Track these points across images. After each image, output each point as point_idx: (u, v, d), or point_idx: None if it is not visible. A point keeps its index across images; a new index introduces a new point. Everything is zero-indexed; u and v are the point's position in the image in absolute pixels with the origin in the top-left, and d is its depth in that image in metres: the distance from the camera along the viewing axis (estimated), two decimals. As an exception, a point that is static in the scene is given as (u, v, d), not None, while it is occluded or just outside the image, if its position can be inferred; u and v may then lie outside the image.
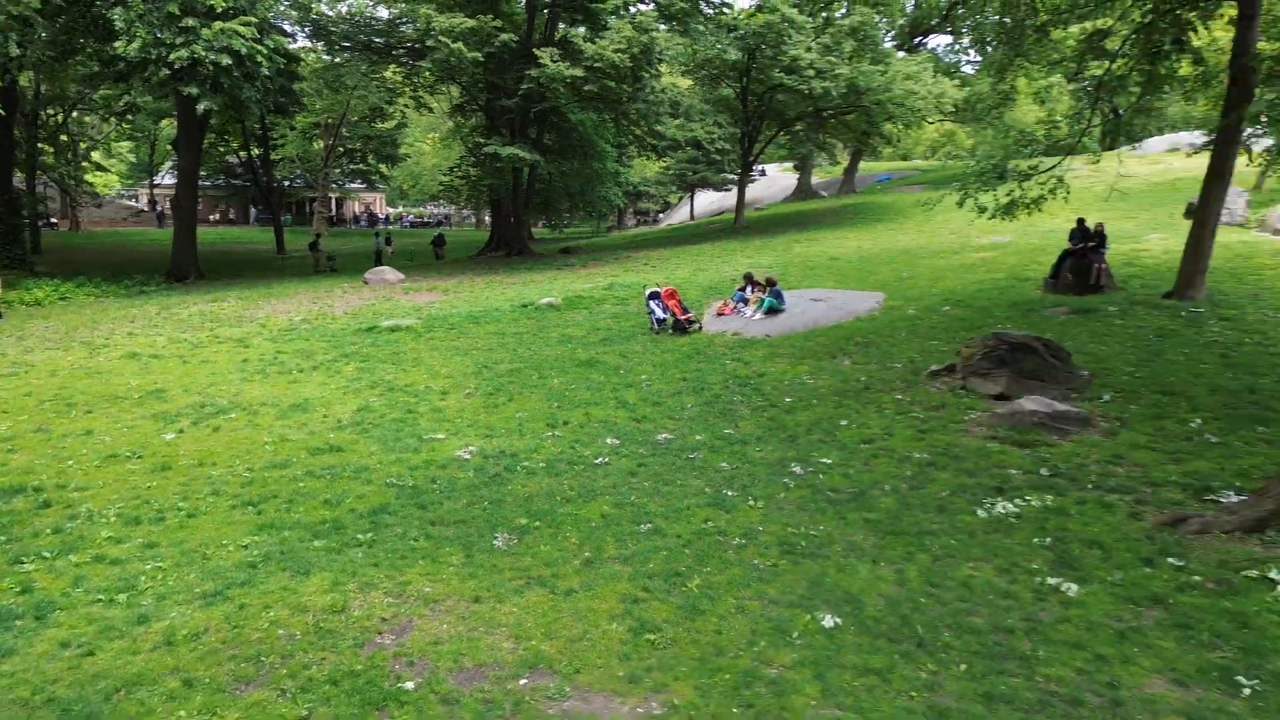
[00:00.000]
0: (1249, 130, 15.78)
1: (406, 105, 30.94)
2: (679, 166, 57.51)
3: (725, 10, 32.81)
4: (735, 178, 43.24)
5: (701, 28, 29.17)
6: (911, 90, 34.14)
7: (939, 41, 71.46)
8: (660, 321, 17.95)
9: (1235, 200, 24.37)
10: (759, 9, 32.47)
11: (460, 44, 24.81)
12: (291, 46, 32.42)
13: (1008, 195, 16.84)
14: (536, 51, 25.23)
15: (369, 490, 10.17)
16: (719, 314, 18.89)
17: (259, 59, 24.18)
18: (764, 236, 32.51)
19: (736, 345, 16.50)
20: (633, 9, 27.69)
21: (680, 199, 75.11)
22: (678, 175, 59.84)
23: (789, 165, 63.57)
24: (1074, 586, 7.05)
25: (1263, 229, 22.98)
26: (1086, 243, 18.03)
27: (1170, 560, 7.34)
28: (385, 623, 7.07)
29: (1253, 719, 5.37)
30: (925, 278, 21.10)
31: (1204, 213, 15.86)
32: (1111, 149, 30.26)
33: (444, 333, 18.97)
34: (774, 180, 66.37)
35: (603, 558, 8.18)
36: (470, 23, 25.01)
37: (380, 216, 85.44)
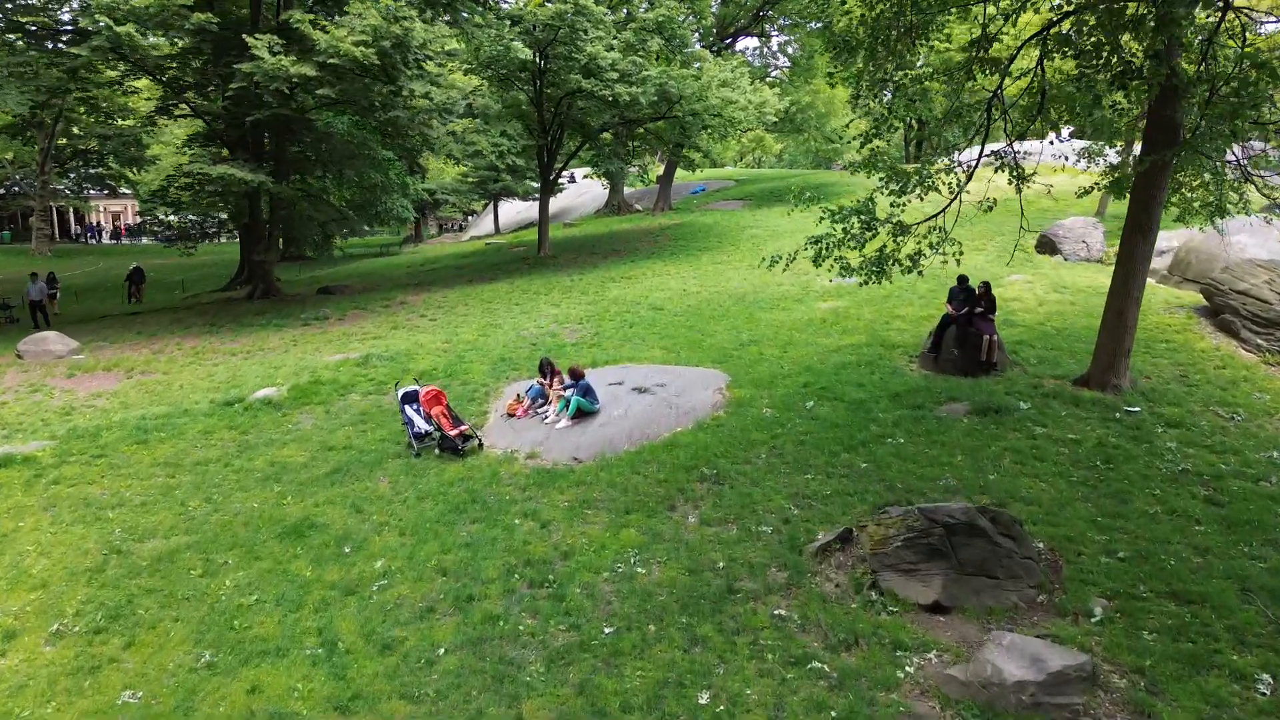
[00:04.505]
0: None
1: (76, 108, 23.12)
2: (479, 174, 51.62)
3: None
4: (539, 187, 37.84)
5: (479, 18, 23.51)
6: (729, 99, 30.14)
7: (745, 45, 69.42)
8: (420, 437, 12.39)
9: (1090, 233, 21.97)
10: (547, -3, 27.27)
11: (130, 26, 17.76)
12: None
13: (877, 251, 12.61)
14: (249, 39, 18.58)
15: None
16: (509, 414, 13.58)
17: None
18: (572, 271, 27.40)
19: (532, 481, 11.23)
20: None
21: (485, 206, 68.86)
22: (478, 184, 53.92)
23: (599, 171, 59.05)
24: None
25: (1125, 268, 20.46)
26: (972, 307, 14.24)
27: None
28: None
29: None
30: (771, 342, 16.76)
31: (1127, 279, 12.29)
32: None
33: (84, 466, 12.37)
34: (585, 188, 61.54)
35: None
36: (145, -1, 17.95)
37: (91, 230, 72.43)
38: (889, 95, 13.03)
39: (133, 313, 26.43)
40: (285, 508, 10.90)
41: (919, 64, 12.82)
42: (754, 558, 8.91)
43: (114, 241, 68.79)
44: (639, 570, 8.87)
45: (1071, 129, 15.27)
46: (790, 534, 9.31)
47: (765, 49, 50.36)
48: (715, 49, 42.58)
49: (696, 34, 43.48)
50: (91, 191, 68.08)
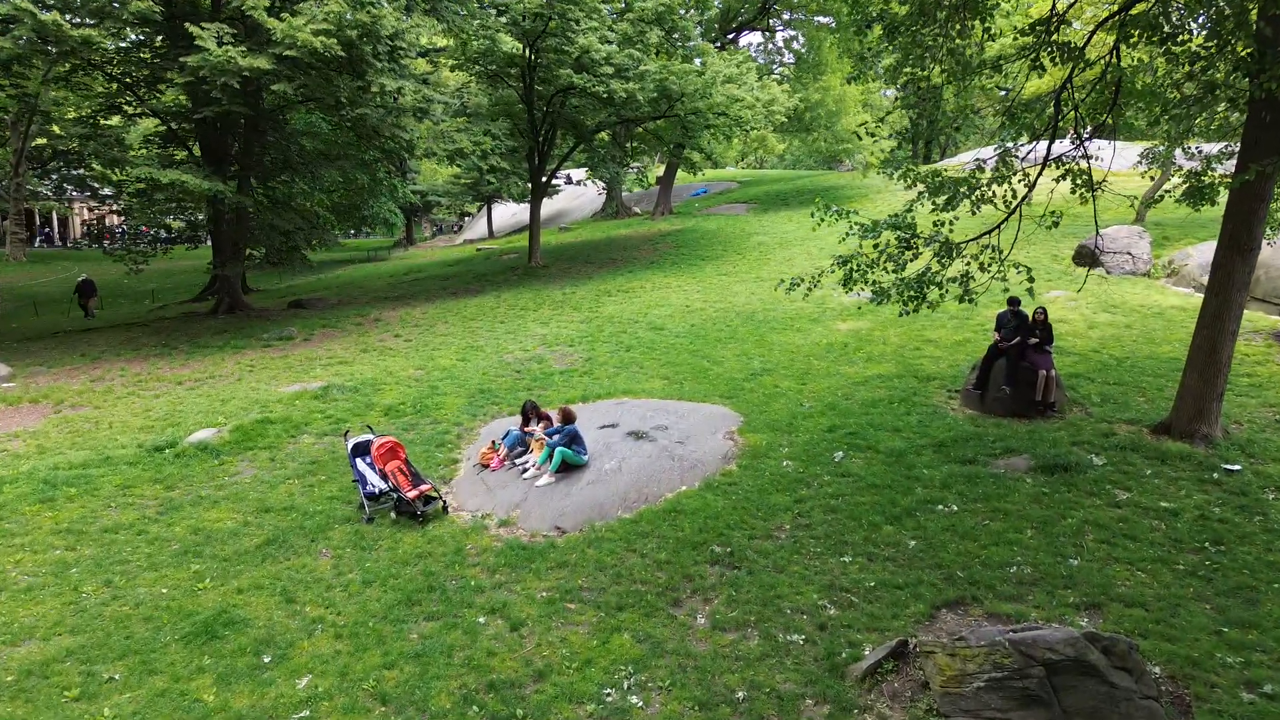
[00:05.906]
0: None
1: (9, 106, 21.03)
2: (471, 175, 49.64)
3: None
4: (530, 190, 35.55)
5: (459, 8, 21.49)
6: (735, 97, 28.04)
7: (748, 40, 67.12)
8: (373, 497, 10.37)
9: (1136, 242, 19.91)
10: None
11: (54, 15, 15.76)
12: None
13: (918, 274, 10.60)
14: (192, 29, 16.51)
15: None
16: (483, 464, 11.56)
17: None
18: (565, 284, 25.37)
19: (504, 561, 9.21)
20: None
21: (480, 208, 66.86)
22: (471, 185, 51.95)
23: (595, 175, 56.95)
24: None
25: (1178, 281, 18.41)
26: (1025, 336, 12.21)
27: None
28: None
29: None
30: (786, 372, 14.76)
31: (1222, 310, 10.25)
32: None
33: (-30, 534, 10.35)
34: (582, 190, 59.59)
35: None
36: (68, -18, 15.95)
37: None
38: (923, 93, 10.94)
39: (87, 329, 24.40)
40: (200, 595, 8.87)
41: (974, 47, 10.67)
42: (783, 684, 6.88)
43: (94, 245, 66.35)
44: (634, 702, 6.83)
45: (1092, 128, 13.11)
46: (828, 646, 7.28)
47: (770, 44, 48.17)
48: (719, 44, 40.53)
49: (699, 27, 41.35)
50: (74, 193, 65.92)
